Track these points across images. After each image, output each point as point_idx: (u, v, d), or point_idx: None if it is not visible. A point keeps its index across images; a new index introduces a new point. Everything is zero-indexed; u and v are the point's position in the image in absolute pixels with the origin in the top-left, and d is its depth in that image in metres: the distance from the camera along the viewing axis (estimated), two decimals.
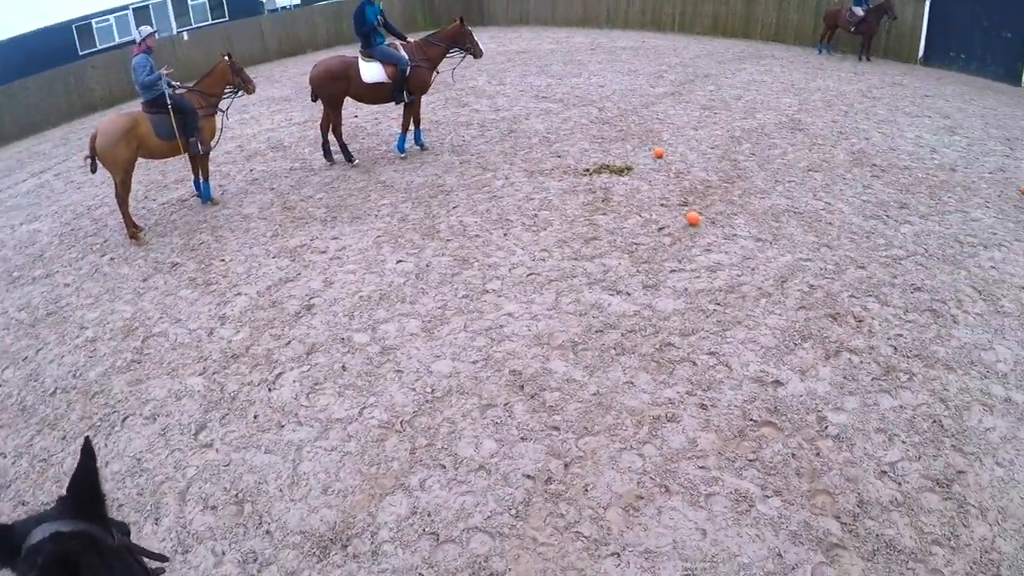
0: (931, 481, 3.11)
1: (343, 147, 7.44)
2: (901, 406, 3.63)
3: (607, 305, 4.47)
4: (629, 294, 4.61)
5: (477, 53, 7.43)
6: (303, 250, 5.63)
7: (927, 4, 12.72)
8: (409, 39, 7.39)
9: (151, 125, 5.92)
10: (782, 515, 2.93)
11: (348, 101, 7.35)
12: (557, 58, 13.42)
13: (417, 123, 7.73)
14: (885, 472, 3.17)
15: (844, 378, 3.85)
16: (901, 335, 4.24)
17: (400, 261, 5.26)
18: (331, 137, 7.41)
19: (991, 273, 4.91)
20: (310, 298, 4.86)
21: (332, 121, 7.24)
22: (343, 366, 4.02)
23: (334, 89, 6.98)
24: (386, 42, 7.15)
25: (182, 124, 5.99)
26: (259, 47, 16.00)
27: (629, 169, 6.93)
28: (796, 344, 4.14)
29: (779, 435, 3.40)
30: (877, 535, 2.84)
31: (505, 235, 5.58)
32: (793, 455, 3.28)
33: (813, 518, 2.92)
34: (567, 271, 4.91)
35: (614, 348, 4.03)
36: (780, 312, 4.45)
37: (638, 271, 4.91)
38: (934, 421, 3.54)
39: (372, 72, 6.97)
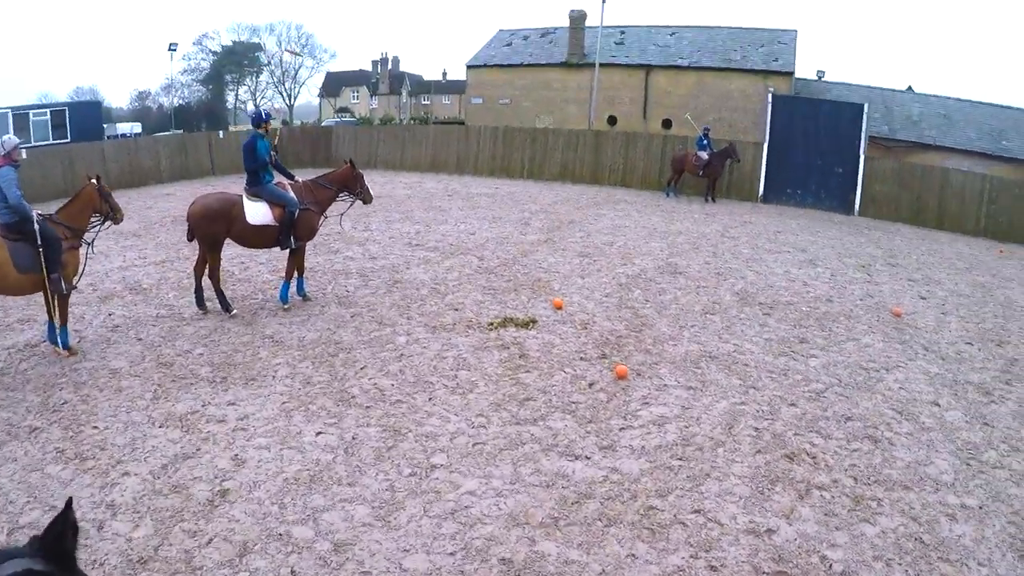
0: None
1: (220, 295, 7.28)
2: (883, 531, 4.14)
3: (571, 472, 4.57)
4: (589, 458, 4.78)
5: (367, 198, 7.88)
6: (196, 418, 5.10)
7: (765, 147, 16.61)
8: (297, 179, 7.62)
9: (8, 254, 5.46)
10: None
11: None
12: (416, 204, 14.73)
13: (301, 271, 7.76)
14: None
15: (825, 515, 4.30)
16: (855, 464, 4.94)
17: (320, 433, 4.92)
18: (206, 282, 7.23)
19: (901, 394, 6.06)
20: (221, 481, 4.28)
21: (209, 264, 7.13)
22: (292, 572, 3.49)
23: (214, 229, 6.95)
24: (274, 180, 7.29)
25: (47, 256, 5.69)
26: (100, 173, 15.20)
27: (534, 322, 7.51)
28: (768, 489, 4.58)
29: None
30: None
31: (430, 399, 5.55)
32: None
33: None
34: (513, 437, 4.98)
35: (599, 519, 4.07)
36: (740, 459, 4.94)
37: (587, 432, 5.16)
38: (916, 539, 4.08)
39: (258, 213, 7.01)
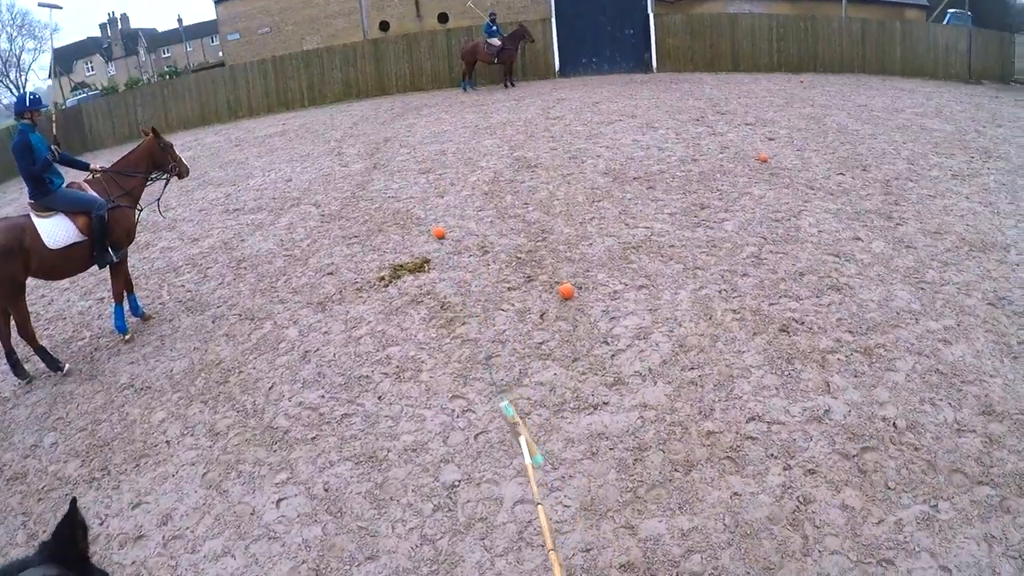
0: None
1: (41, 352, 5.70)
2: (907, 375, 4.33)
3: (604, 427, 4.00)
4: (607, 403, 4.24)
5: (183, 171, 6.40)
6: (100, 549, 3.58)
7: (553, 22, 16.40)
8: (95, 166, 5.94)
9: None
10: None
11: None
12: (205, 163, 12.59)
13: (130, 286, 6.22)
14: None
15: (855, 377, 4.42)
16: (840, 318, 5.07)
17: (281, 499, 3.69)
18: (15, 341, 5.61)
19: (824, 237, 6.41)
20: None
21: (15, 319, 5.53)
22: None
23: (7, 272, 5.33)
24: (65, 182, 5.67)
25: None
26: None
27: (427, 262, 6.57)
28: (791, 369, 4.51)
29: (883, 452, 3.64)
30: None
31: (380, 398, 4.49)
32: (907, 466, 3.51)
33: None
34: (520, 400, 4.22)
35: (676, 470, 3.62)
36: (743, 347, 4.79)
37: (582, 373, 4.59)
38: (935, 372, 4.34)
39: (58, 231, 5.45)
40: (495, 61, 15.50)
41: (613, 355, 4.78)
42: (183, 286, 7.00)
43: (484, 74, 16.53)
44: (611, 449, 3.86)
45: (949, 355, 4.66)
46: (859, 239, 6.41)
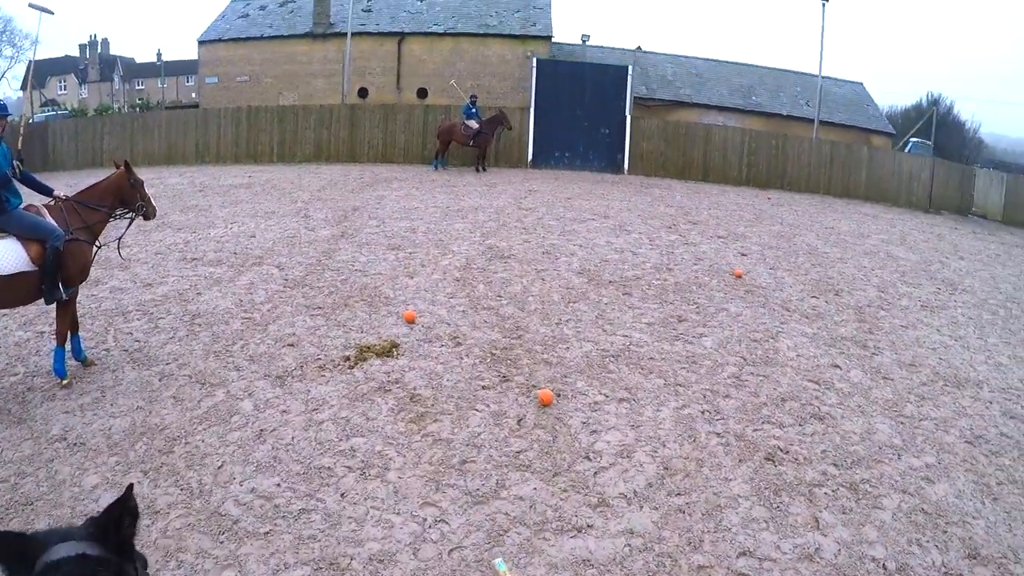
0: None
1: None
2: (894, 513, 4.31)
3: (589, 553, 3.78)
4: (591, 526, 4.04)
5: (151, 212, 6.10)
6: None
7: (531, 112, 16.97)
8: (59, 193, 5.61)
9: None
10: None
11: None
12: (166, 205, 12.22)
13: (75, 327, 5.77)
14: None
15: (843, 513, 4.37)
16: (824, 450, 5.07)
17: None
18: None
19: (803, 362, 6.52)
20: None
21: None
22: None
23: None
24: (22, 204, 5.34)
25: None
26: None
27: (395, 346, 6.37)
28: (779, 502, 4.43)
29: None
30: None
31: (343, 496, 4.16)
32: None
33: None
34: (489, 527, 3.96)
35: None
36: (729, 475, 4.71)
37: (564, 490, 4.39)
38: (920, 512, 4.32)
39: (6, 256, 5.08)
40: (471, 143, 15.87)
41: (596, 472, 4.61)
42: (131, 334, 6.58)
43: (457, 155, 16.88)
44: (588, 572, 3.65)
45: (932, 494, 4.70)
46: (837, 366, 6.54)
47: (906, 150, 21.04)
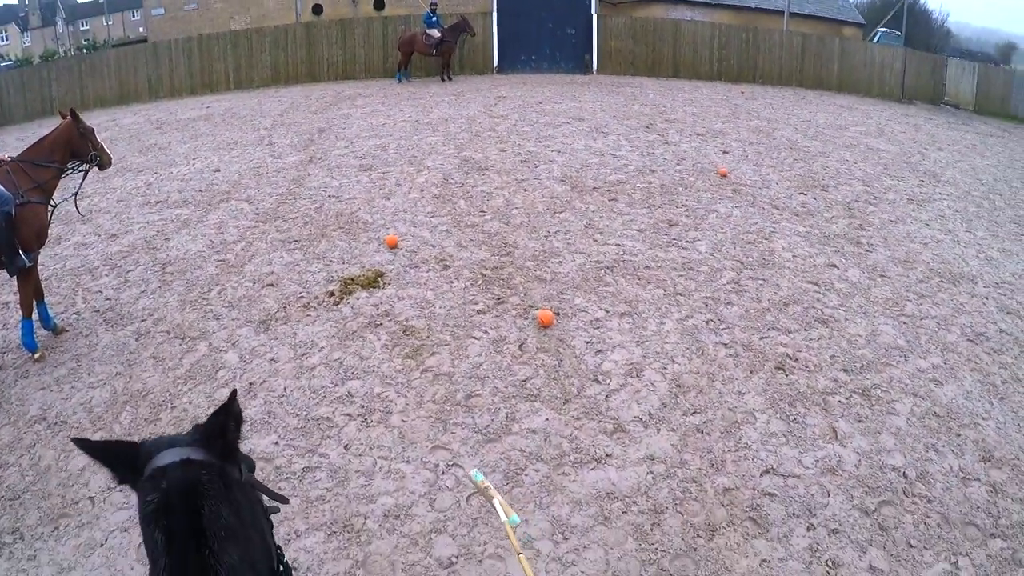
0: None
1: None
2: (908, 418, 4.24)
3: (612, 485, 3.59)
4: (610, 455, 3.84)
5: (106, 161, 5.52)
6: None
7: (494, 16, 15.88)
8: (2, 155, 5.07)
9: None
10: None
11: None
12: (124, 147, 11.35)
13: (40, 295, 5.27)
14: None
15: (859, 422, 4.30)
16: (833, 356, 4.94)
17: None
18: None
19: (799, 262, 6.32)
20: None
21: None
22: None
23: None
24: None
25: None
26: None
27: (381, 276, 5.97)
28: (795, 413, 4.31)
29: (899, 507, 3.45)
30: None
31: (346, 447, 3.88)
32: (924, 521, 3.35)
33: None
34: (504, 467, 3.74)
35: (697, 535, 3.28)
36: (742, 388, 4.54)
37: (577, 419, 4.17)
38: (932, 415, 4.25)
39: None
40: (433, 53, 14.87)
41: (607, 396, 4.39)
42: (100, 292, 6.06)
43: (420, 66, 15.86)
44: (624, 512, 3.48)
45: (942, 396, 4.64)
46: (834, 266, 6.35)
47: (875, 41, 20.42)
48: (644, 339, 5.03)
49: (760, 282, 5.97)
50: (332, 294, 5.67)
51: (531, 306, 5.44)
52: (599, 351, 4.87)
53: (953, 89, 15.84)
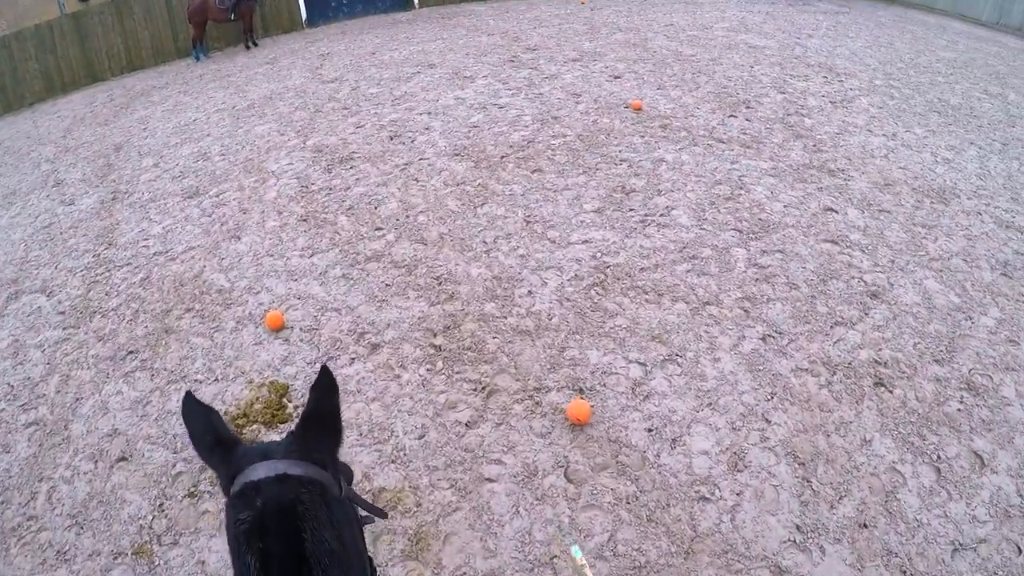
0: None
1: None
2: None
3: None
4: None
5: None
6: None
7: None
8: None
9: None
10: None
11: None
12: None
13: None
14: None
15: (986, 428, 3.39)
16: (917, 344, 3.99)
17: None
18: None
19: (792, 212, 5.27)
20: None
21: None
22: None
23: None
24: None
25: None
26: None
27: (284, 392, 4.03)
28: (933, 446, 3.32)
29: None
30: None
31: None
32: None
33: None
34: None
35: None
36: (860, 431, 3.47)
37: (709, 568, 2.82)
38: None
39: None
40: (231, 18, 11.82)
41: (731, 517, 3.07)
42: None
43: (217, 36, 12.61)
44: None
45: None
46: (832, 210, 5.40)
47: None
48: (713, 398, 3.71)
49: (779, 256, 4.85)
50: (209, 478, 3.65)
51: (537, 385, 3.85)
52: (673, 440, 3.47)
53: None
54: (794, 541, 2.97)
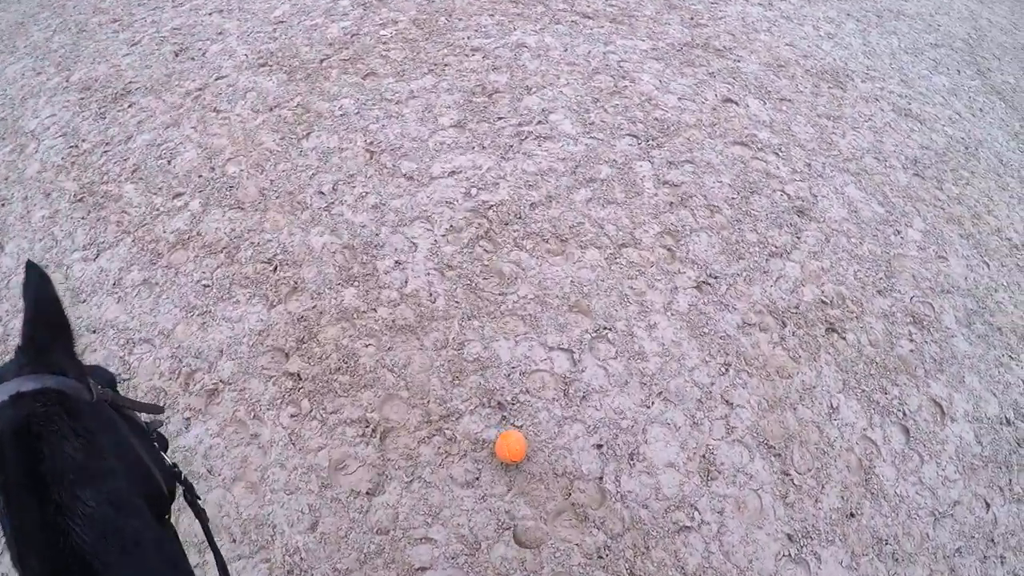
0: None
1: None
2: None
3: None
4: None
5: None
6: None
7: None
8: None
9: None
10: None
11: None
12: None
13: None
14: None
15: (937, 366, 3.13)
16: (858, 273, 3.54)
17: None
18: None
19: (673, 105, 4.50)
20: None
21: None
22: None
23: None
24: None
25: None
26: None
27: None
28: (895, 402, 2.96)
29: None
30: None
31: None
32: None
33: None
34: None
35: None
36: (826, 395, 2.99)
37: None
38: None
39: None
40: None
41: (712, 547, 2.47)
42: None
43: None
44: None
45: (961, 280, 3.76)
46: (732, 101, 4.69)
47: None
48: (661, 383, 3.01)
49: (689, 169, 4.09)
50: None
51: (443, 410, 2.91)
52: (630, 455, 2.75)
53: None
54: (788, 554, 2.47)
